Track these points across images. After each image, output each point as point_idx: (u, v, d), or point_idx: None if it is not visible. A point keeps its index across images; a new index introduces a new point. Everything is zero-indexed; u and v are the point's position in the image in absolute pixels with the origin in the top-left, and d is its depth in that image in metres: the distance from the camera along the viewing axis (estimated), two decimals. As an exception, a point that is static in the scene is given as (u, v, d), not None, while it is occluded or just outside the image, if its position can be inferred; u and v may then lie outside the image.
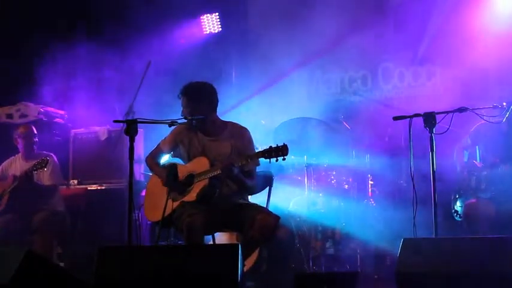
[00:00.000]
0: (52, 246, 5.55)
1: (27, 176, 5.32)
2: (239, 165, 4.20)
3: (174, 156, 4.64)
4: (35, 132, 5.85)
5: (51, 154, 5.77)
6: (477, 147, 4.94)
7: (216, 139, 4.47)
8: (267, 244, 4.69)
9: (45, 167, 5.28)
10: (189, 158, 4.48)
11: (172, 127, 4.35)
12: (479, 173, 4.73)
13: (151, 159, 4.65)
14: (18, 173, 5.53)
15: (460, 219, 4.81)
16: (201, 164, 4.35)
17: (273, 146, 4.13)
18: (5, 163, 5.82)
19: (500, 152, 4.69)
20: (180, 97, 4.48)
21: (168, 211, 4.25)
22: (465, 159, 4.96)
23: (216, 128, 4.50)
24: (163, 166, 4.58)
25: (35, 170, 5.30)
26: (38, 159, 5.53)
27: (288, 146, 4.11)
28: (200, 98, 4.44)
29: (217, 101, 4.53)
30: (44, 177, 5.59)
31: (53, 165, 5.68)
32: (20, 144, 5.77)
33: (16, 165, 5.71)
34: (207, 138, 4.48)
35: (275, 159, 4.11)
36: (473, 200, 4.64)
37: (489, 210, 4.54)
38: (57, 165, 5.80)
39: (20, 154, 5.84)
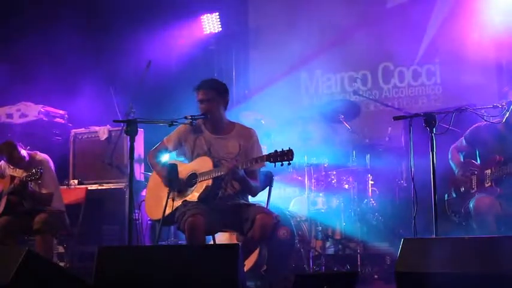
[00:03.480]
0: (52, 246, 5.53)
1: (22, 184, 5.18)
2: (244, 168, 4.21)
3: (178, 155, 4.63)
4: (14, 147, 5.42)
5: (47, 158, 5.54)
6: (476, 149, 4.93)
7: (223, 137, 4.47)
8: (267, 244, 4.69)
9: (39, 179, 5.13)
10: (192, 157, 4.48)
11: (176, 126, 4.37)
12: (480, 172, 4.72)
13: (153, 156, 4.63)
14: (16, 174, 5.47)
15: (458, 219, 4.80)
16: (204, 163, 4.35)
17: (279, 150, 4.12)
18: (3, 164, 5.72)
19: (501, 152, 4.67)
20: (199, 90, 4.45)
21: (169, 210, 4.25)
22: (461, 159, 4.94)
23: (224, 127, 4.51)
24: (163, 166, 4.56)
25: (29, 180, 5.16)
26: (32, 162, 5.43)
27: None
28: (221, 94, 4.48)
29: (229, 100, 4.57)
30: (40, 186, 5.37)
31: (48, 173, 5.41)
32: (11, 165, 5.50)
33: (14, 171, 5.58)
34: (214, 136, 4.48)
35: (280, 163, 4.10)
36: (483, 196, 4.59)
37: (496, 208, 4.52)
38: (52, 171, 5.54)
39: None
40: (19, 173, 5.49)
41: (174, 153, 4.64)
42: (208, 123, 4.49)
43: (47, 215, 5.26)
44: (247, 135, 4.51)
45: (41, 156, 5.54)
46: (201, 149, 4.46)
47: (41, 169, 5.10)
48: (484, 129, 4.78)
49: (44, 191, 5.30)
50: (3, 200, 5.35)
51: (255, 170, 4.40)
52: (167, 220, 4.31)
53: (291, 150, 4.09)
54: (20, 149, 5.47)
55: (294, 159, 4.12)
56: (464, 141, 4.92)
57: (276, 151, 4.13)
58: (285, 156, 4.09)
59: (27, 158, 5.48)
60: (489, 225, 4.43)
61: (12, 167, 5.53)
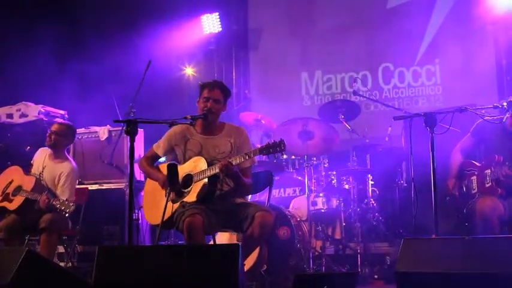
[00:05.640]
0: (56, 246, 5.50)
1: (46, 207, 5.12)
2: (237, 163, 4.21)
3: (168, 160, 4.61)
4: (69, 133, 5.48)
5: (76, 167, 5.46)
6: (481, 143, 4.92)
7: (214, 137, 4.48)
8: (267, 243, 4.70)
9: (65, 211, 4.97)
10: (185, 159, 4.48)
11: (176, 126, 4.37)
12: (480, 172, 4.71)
13: (146, 163, 4.62)
14: (43, 171, 5.38)
15: (460, 219, 4.79)
16: (198, 163, 4.35)
17: (270, 142, 4.12)
18: (38, 152, 5.58)
19: (504, 150, 4.66)
20: (209, 87, 4.45)
21: (168, 213, 4.25)
22: (461, 160, 4.94)
23: (215, 127, 4.52)
24: (159, 167, 4.56)
25: (54, 209, 5.08)
26: (64, 161, 5.39)
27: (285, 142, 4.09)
28: (226, 99, 4.52)
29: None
30: (58, 187, 5.32)
31: (72, 179, 5.36)
32: (48, 140, 5.41)
33: (43, 160, 5.45)
34: (204, 136, 4.48)
35: (274, 155, 4.08)
36: (486, 199, 4.59)
37: (499, 209, 4.51)
38: (76, 180, 5.48)
39: (49, 150, 5.50)
40: (41, 164, 5.41)
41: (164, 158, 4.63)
42: (199, 124, 4.49)
43: (53, 215, 5.23)
44: (238, 132, 4.52)
45: (72, 163, 5.47)
46: (192, 150, 4.45)
47: (67, 213, 4.97)
48: (490, 124, 4.77)
49: (61, 196, 5.25)
50: (21, 199, 5.27)
51: (247, 168, 4.40)
52: (167, 224, 4.30)
53: (283, 140, 4.07)
54: (72, 140, 5.57)
55: (286, 149, 4.08)
56: (470, 136, 4.90)
57: (267, 143, 4.13)
58: (277, 147, 4.07)
59: (65, 155, 5.48)
60: (493, 227, 4.42)
61: (49, 150, 5.47)
